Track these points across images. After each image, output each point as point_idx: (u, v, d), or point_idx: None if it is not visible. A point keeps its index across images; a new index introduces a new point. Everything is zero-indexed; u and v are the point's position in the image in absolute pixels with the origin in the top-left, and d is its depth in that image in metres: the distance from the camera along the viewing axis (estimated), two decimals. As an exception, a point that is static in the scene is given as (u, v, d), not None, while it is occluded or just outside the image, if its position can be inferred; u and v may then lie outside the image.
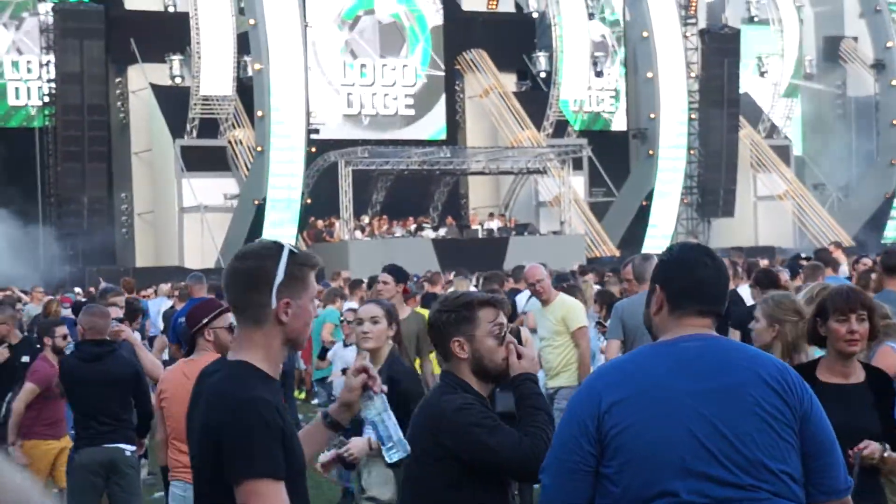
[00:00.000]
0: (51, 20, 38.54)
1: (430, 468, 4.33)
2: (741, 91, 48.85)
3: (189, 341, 7.51)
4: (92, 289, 23.45)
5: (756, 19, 52.04)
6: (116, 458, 8.58)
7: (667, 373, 3.43)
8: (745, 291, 11.79)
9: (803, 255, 15.88)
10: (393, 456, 3.54)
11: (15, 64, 41.59)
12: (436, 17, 45.81)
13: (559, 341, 10.72)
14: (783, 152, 50.40)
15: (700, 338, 3.50)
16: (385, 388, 3.70)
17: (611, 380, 3.51)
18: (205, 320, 7.12)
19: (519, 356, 4.42)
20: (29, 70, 41.28)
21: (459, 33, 46.49)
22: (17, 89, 41.67)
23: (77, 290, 23.67)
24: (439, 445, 4.30)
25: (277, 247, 3.52)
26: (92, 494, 8.85)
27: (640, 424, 3.39)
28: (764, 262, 18.61)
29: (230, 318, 7.39)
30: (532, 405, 4.41)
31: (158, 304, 18.51)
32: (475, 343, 4.38)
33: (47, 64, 38.62)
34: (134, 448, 8.81)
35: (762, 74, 51.80)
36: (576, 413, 3.50)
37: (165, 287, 21.40)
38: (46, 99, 38.88)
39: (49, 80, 38.61)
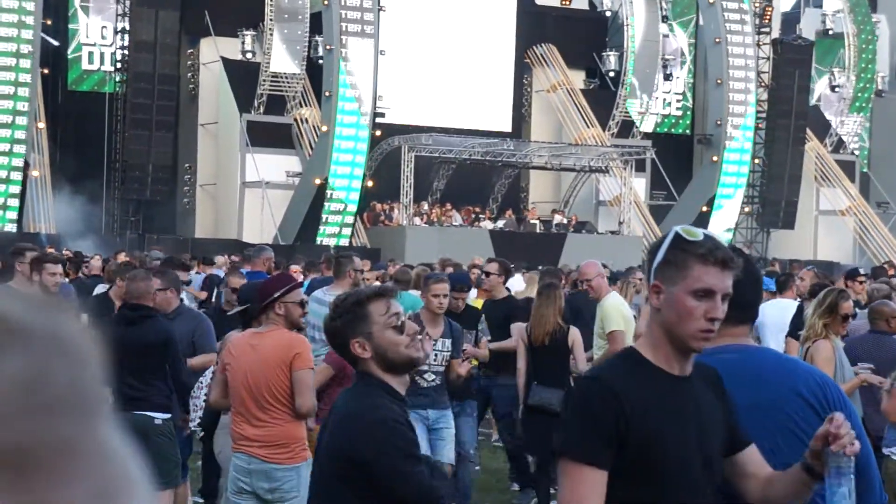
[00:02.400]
0: (128, -12, 38.92)
1: (336, 487, 4.16)
2: (811, 103, 48.49)
3: (256, 313, 7.60)
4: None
5: (831, 32, 51.59)
6: (145, 425, 8.37)
7: None
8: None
9: (861, 271, 15.76)
10: None
11: (90, 29, 42.07)
12: (510, 10, 45.85)
13: (600, 343, 10.52)
14: (848, 168, 49.99)
15: (738, 349, 3.46)
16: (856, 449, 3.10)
17: None
18: (276, 294, 7.10)
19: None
20: (103, 36, 41.73)
21: (531, 27, 46.51)
22: (90, 54, 42.12)
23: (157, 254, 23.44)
24: (353, 456, 4.11)
25: (673, 231, 3.24)
26: None
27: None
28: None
29: (301, 293, 7.44)
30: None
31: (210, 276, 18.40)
32: (374, 340, 4.24)
33: (121, 31, 39.01)
34: (167, 416, 8.63)
35: (833, 88, 51.39)
36: None
37: (221, 259, 21.37)
38: (119, 65, 39.28)
39: (122, 48, 38.99)
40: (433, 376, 9.37)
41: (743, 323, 3.49)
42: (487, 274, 12.52)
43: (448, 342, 9.44)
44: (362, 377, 4.29)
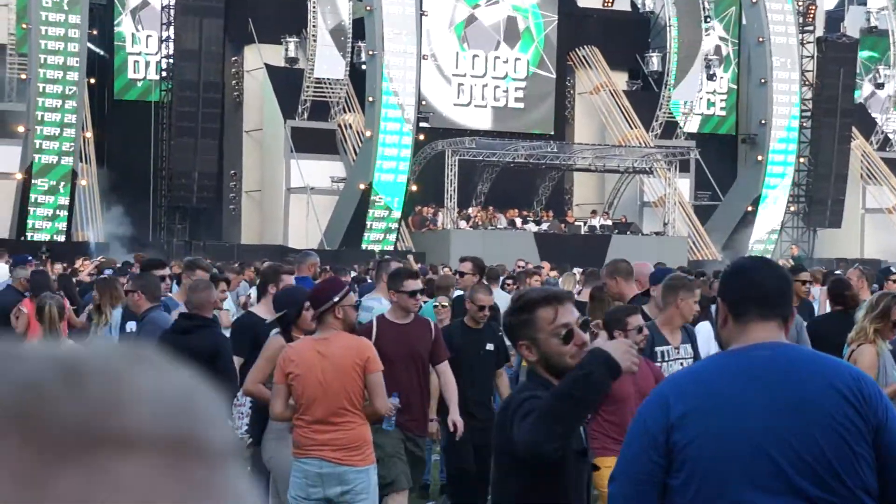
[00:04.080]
0: (172, -3, 39.25)
1: (504, 469, 4.27)
2: (856, 101, 48.22)
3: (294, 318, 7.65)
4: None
5: (876, 30, 51.26)
6: None
7: (737, 384, 3.38)
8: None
9: (895, 270, 15.56)
10: None
11: (135, 38, 42.46)
12: (551, 15, 45.88)
13: None
14: (895, 165, 49.66)
15: (770, 346, 3.43)
16: None
17: (681, 388, 3.48)
18: (336, 298, 7.11)
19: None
20: (148, 45, 42.11)
21: (573, 30, 46.53)
22: (136, 63, 42.52)
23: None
24: (508, 440, 4.14)
25: None
26: None
27: (707, 437, 3.36)
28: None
29: (355, 296, 7.50)
30: (559, 390, 4.05)
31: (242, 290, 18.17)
32: (540, 345, 4.22)
33: (166, 40, 39.32)
34: None
35: (878, 86, 51.06)
36: (645, 422, 3.47)
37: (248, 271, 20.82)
38: (164, 74, 39.59)
39: (167, 56, 39.30)
40: None
41: (768, 319, 3.47)
42: (462, 274, 11.74)
43: (689, 347, 8.15)
44: (529, 374, 4.38)
